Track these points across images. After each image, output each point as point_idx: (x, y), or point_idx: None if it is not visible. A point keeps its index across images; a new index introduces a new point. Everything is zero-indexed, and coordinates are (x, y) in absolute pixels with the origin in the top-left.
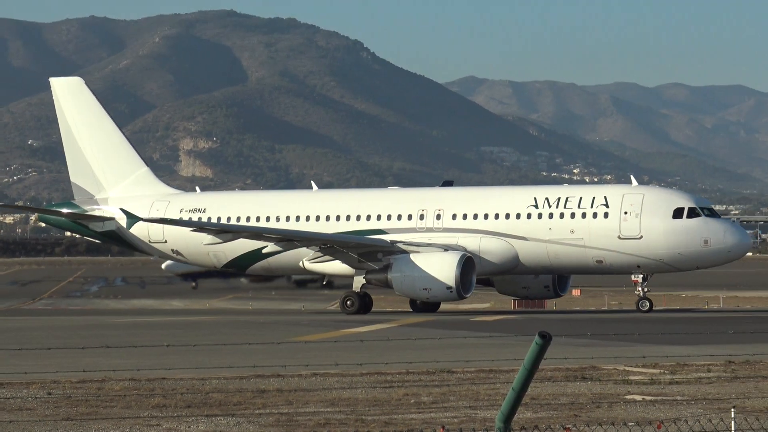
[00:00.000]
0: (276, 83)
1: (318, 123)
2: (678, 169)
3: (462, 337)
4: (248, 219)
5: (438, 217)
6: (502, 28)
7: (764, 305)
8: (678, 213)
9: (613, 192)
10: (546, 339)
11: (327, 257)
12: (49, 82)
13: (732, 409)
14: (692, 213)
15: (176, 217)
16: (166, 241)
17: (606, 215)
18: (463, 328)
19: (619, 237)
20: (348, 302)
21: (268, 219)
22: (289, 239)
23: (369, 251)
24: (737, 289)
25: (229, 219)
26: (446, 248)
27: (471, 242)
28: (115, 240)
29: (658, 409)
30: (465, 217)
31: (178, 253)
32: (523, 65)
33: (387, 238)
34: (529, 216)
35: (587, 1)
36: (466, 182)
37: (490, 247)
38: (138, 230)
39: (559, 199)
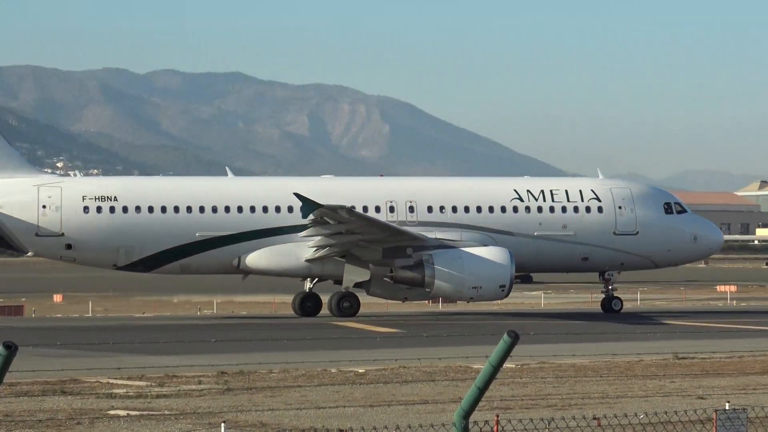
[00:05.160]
0: None
1: None
2: (171, 162)
3: None
4: (177, 209)
5: (411, 209)
6: None
7: (261, 310)
8: (668, 208)
9: (600, 185)
10: (11, 349)
11: (326, 250)
12: None
13: (223, 424)
14: (679, 208)
15: (81, 205)
16: (63, 234)
17: (600, 209)
18: None
19: (614, 233)
20: (345, 304)
21: (194, 209)
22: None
23: (397, 246)
24: (234, 293)
25: (151, 209)
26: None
27: (450, 237)
28: None
29: (144, 425)
30: (442, 209)
31: (71, 248)
32: (1, 48)
33: None
34: (515, 209)
35: None
36: None
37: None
38: (26, 219)
39: (542, 191)
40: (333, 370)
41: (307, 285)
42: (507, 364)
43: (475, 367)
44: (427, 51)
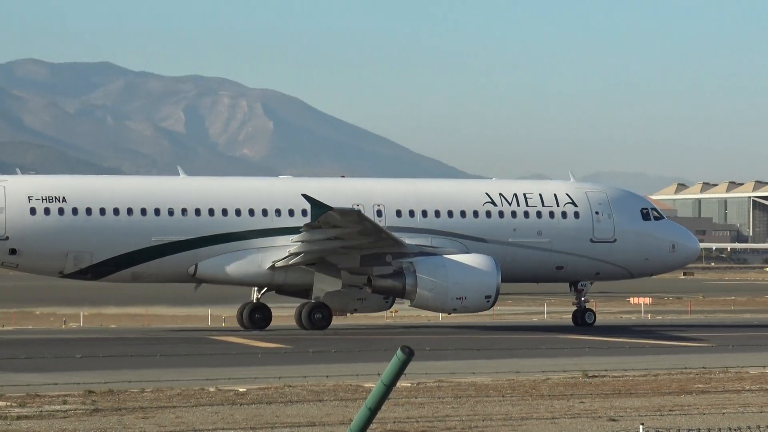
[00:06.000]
0: None
1: None
2: (35, 161)
3: None
4: (131, 211)
5: (379, 213)
6: None
7: (133, 323)
8: (645, 214)
9: (574, 189)
10: None
11: (298, 258)
12: None
13: None
14: (656, 214)
15: (27, 206)
16: (7, 238)
17: (576, 215)
18: None
19: (591, 240)
20: (317, 315)
21: (152, 212)
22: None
23: (376, 253)
24: (104, 305)
25: (103, 211)
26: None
27: (420, 244)
28: None
29: None
30: (412, 213)
31: (15, 253)
32: None
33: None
34: (488, 214)
35: None
36: None
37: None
38: None
39: (515, 195)
40: (211, 389)
41: (254, 295)
42: (401, 383)
43: (367, 385)
44: (315, 42)
